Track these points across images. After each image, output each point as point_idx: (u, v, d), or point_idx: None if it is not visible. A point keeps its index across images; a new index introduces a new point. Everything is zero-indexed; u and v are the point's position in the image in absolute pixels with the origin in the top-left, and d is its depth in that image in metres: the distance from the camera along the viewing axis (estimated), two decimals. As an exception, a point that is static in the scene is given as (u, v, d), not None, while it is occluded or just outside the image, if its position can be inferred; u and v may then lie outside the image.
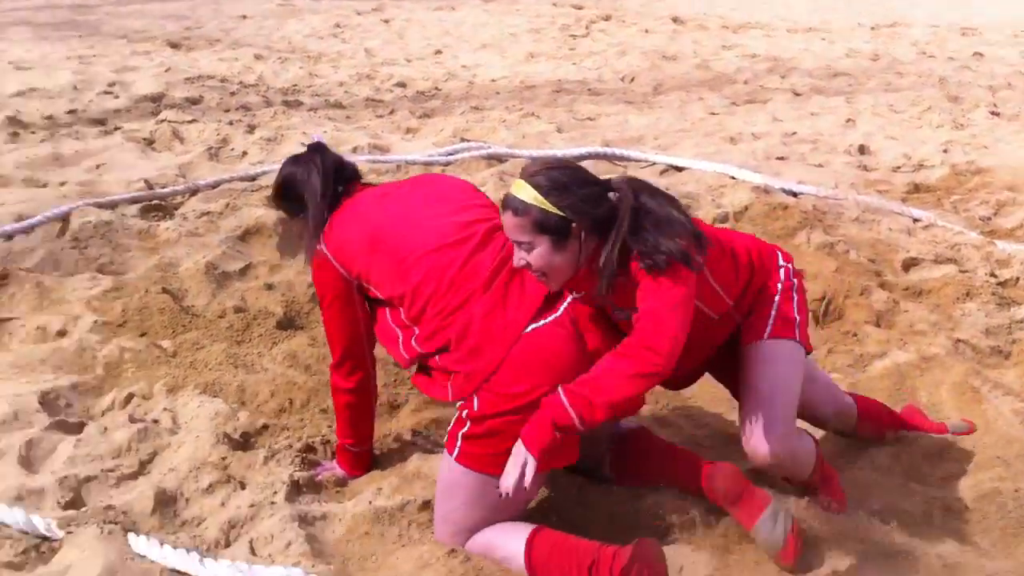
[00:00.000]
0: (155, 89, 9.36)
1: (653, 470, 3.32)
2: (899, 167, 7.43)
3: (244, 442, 3.66)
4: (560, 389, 2.79)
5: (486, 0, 17.35)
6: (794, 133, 8.38)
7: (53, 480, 3.39)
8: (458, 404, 3.02)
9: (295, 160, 3.45)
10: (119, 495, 3.36)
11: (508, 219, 2.88)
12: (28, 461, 3.53)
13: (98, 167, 6.88)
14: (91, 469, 3.47)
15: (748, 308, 3.23)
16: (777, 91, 10.10)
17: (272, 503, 3.27)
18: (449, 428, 3.06)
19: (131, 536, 3.06)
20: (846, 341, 4.64)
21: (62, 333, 4.45)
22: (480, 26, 14.40)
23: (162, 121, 8.06)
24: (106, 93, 9.20)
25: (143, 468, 3.52)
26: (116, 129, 7.90)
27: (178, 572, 2.96)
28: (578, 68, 11.35)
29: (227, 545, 3.15)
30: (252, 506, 3.26)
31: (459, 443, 2.99)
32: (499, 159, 7.29)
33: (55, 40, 11.97)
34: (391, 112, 9.01)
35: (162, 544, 3.04)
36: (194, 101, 9.03)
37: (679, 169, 7.18)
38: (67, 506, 3.30)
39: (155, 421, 3.79)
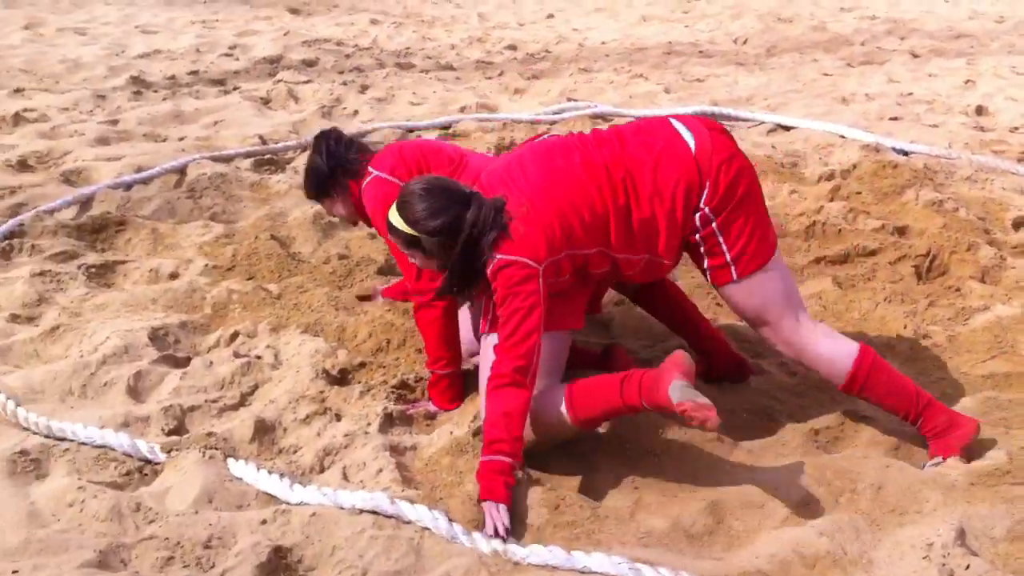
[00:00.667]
0: (273, 52, 9.62)
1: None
2: (1017, 128, 7.18)
3: (341, 378, 3.80)
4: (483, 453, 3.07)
5: (602, -35, 17.26)
6: (910, 94, 8.17)
7: (158, 409, 3.57)
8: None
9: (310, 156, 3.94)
10: (220, 424, 3.52)
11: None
12: (136, 391, 3.72)
13: (215, 124, 7.13)
14: (195, 400, 3.65)
15: (678, 249, 3.32)
16: (895, 53, 9.84)
17: (366, 433, 3.39)
18: (483, 311, 3.37)
19: (230, 460, 3.22)
20: (948, 295, 4.56)
21: (174, 275, 4.66)
22: (594, -10, 14.35)
23: (279, 81, 8.30)
24: (226, 56, 9.50)
25: (244, 400, 3.69)
26: (235, 89, 8.17)
27: (270, 496, 3.10)
28: (690, 31, 11.24)
29: (321, 471, 3.29)
30: (346, 435, 3.38)
31: (491, 316, 3.28)
32: (604, 118, 7.30)
33: (181, 6, 12.37)
34: (500, 74, 9.08)
35: (258, 468, 3.19)
36: (310, 63, 9.26)
37: (787, 128, 7.09)
38: (170, 433, 3.48)
39: (258, 357, 3.95)
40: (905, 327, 4.15)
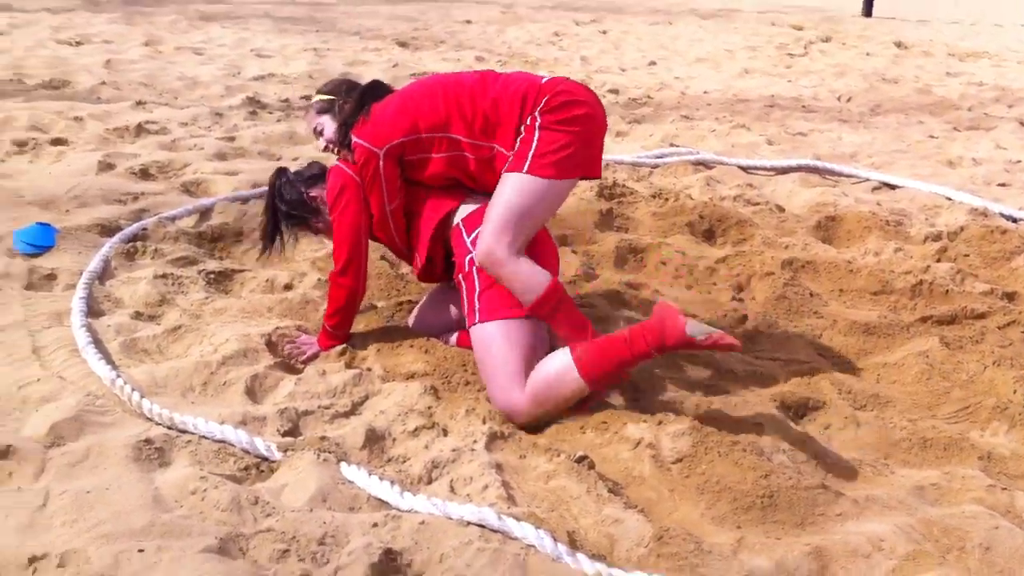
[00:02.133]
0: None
1: None
2: None
3: (448, 394, 3.88)
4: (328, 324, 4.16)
5: (704, 17, 17.36)
6: (1018, 161, 8.09)
7: (274, 410, 3.69)
8: (462, 276, 3.86)
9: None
10: (332, 430, 3.63)
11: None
12: (253, 392, 3.86)
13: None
14: (309, 405, 3.76)
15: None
16: (1002, 120, 9.75)
17: (472, 450, 3.46)
18: (465, 306, 3.83)
19: (343, 464, 3.32)
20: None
21: (288, 286, 4.81)
22: (696, 41, 14.44)
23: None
24: (338, 83, 9.75)
25: (355, 409, 3.79)
26: (345, 114, 8.37)
27: (381, 501, 3.18)
28: (793, 85, 11.26)
29: (429, 482, 3.36)
30: (453, 450, 3.46)
31: (477, 306, 3.77)
32: (706, 165, 7.36)
33: (294, 33, 12.74)
34: (603, 116, 9.17)
35: (370, 474, 3.28)
36: (417, 95, 9.45)
37: (892, 187, 7.07)
38: (285, 434, 3.59)
39: (368, 369, 4.06)
40: (1015, 392, 4.12)
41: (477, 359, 3.81)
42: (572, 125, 3.79)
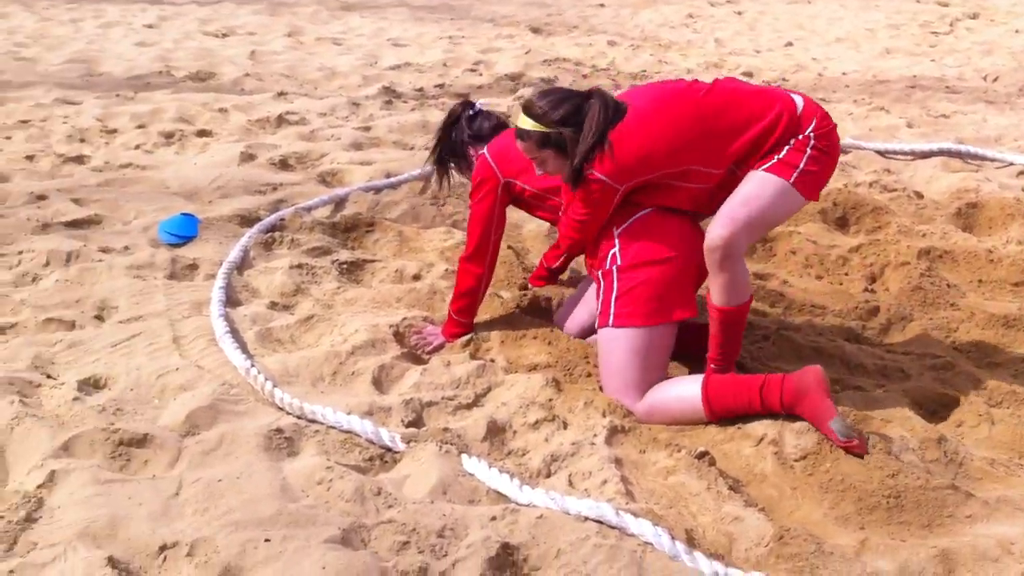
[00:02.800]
0: (515, 69, 9.92)
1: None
2: None
3: (569, 386, 3.91)
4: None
5: (846, -6, 16.90)
6: None
7: (400, 401, 3.79)
8: (601, 273, 3.81)
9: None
10: (455, 421, 3.70)
11: (521, 145, 3.75)
12: (380, 383, 3.96)
13: (466, 136, 7.43)
14: (433, 396, 3.84)
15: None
16: None
17: (592, 444, 3.48)
18: (600, 303, 3.79)
19: (464, 456, 3.38)
20: None
21: (417, 277, 4.91)
22: (835, 20, 14.05)
23: (519, 97, 8.56)
24: (471, 71, 9.87)
25: (478, 400, 3.85)
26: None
27: (500, 494, 3.24)
28: (937, 65, 10.86)
29: (548, 476, 3.40)
30: (573, 444, 3.49)
31: (612, 309, 3.75)
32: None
33: (429, 22, 12.91)
34: (737, 100, 9.02)
35: (490, 467, 3.33)
36: (548, 81, 9.50)
37: (1039, 172, 6.78)
38: (409, 425, 3.68)
39: (492, 360, 4.12)
40: None
41: (600, 358, 3.84)
42: (832, 156, 3.77)
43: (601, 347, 3.84)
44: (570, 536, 2.94)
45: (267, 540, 2.88)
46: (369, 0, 14.70)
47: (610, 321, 3.77)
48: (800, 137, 3.68)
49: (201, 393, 3.69)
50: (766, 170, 3.66)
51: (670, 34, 12.74)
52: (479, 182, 4.19)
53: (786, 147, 3.67)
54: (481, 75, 9.68)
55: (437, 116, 7.93)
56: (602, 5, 15.05)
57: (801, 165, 3.66)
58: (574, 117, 3.61)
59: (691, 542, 2.98)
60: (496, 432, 3.60)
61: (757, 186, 3.67)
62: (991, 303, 4.80)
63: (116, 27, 11.57)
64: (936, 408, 3.94)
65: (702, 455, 3.40)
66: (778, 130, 3.67)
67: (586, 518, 3.01)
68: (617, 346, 3.75)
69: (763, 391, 3.53)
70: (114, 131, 7.30)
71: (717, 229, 3.63)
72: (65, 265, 4.87)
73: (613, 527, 2.98)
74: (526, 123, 3.67)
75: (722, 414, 3.62)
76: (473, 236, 4.20)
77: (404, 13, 13.52)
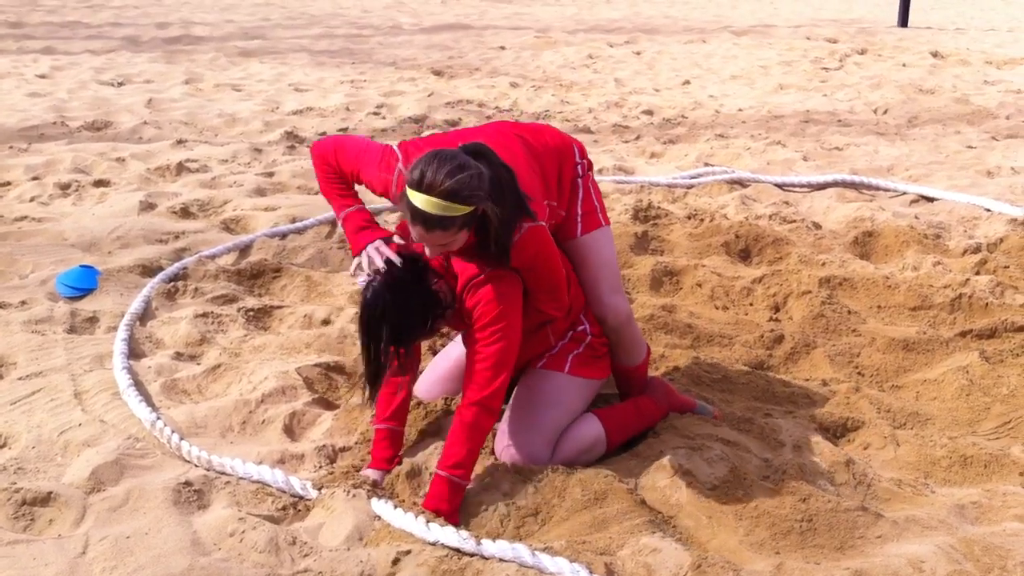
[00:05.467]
0: (418, 111, 9.93)
1: None
2: None
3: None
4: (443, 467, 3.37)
5: (738, 34, 17.33)
6: (1059, 169, 7.98)
7: (312, 448, 3.73)
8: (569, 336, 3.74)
9: None
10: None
11: (436, 235, 3.16)
12: (291, 430, 3.90)
13: (364, 179, 7.39)
14: (346, 441, 3.80)
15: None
16: (1043, 127, 9.63)
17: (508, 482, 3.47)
18: (553, 356, 3.69)
19: (373, 500, 3.32)
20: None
21: (326, 321, 4.86)
22: (730, 59, 14.40)
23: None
24: (374, 114, 9.86)
25: (392, 443, 3.80)
26: (381, 146, 8.46)
27: (407, 532, 3.15)
28: (829, 99, 11.19)
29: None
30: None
31: (569, 362, 3.68)
32: (742, 183, 7.34)
33: (330, 66, 12.88)
34: (637, 138, 9.19)
35: (395, 507, 3.26)
36: (452, 123, 9.54)
37: (930, 200, 7.00)
38: (322, 472, 3.62)
39: (418, 404, 4.04)
40: (1057, 405, 4.07)
41: (542, 405, 3.63)
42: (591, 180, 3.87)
43: (539, 391, 3.66)
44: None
45: (178, 597, 2.80)
46: (269, 46, 14.63)
47: (567, 368, 3.70)
48: (581, 174, 3.78)
49: (106, 448, 3.59)
50: (582, 232, 3.73)
51: (571, 74, 12.91)
52: (506, 307, 3.39)
53: (580, 189, 3.76)
54: (384, 118, 9.68)
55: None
56: (503, 47, 15.20)
57: (596, 203, 3.80)
58: (493, 185, 3.20)
59: (610, 575, 2.98)
60: (414, 475, 3.55)
61: (588, 249, 3.75)
62: (891, 328, 4.93)
63: (7, 78, 11.30)
64: (843, 432, 4.02)
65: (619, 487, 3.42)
66: (569, 169, 3.73)
67: (501, 560, 3.00)
68: (562, 395, 3.67)
69: (643, 412, 3.85)
70: (7, 184, 7.10)
71: (610, 310, 3.76)
72: (-41, 322, 4.71)
73: (530, 567, 2.97)
74: (441, 207, 3.10)
75: (620, 444, 3.78)
76: (499, 375, 3.36)
77: (304, 58, 13.47)
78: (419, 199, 3.10)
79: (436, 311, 3.40)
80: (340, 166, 3.55)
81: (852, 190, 7.24)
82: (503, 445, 3.60)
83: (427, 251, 3.29)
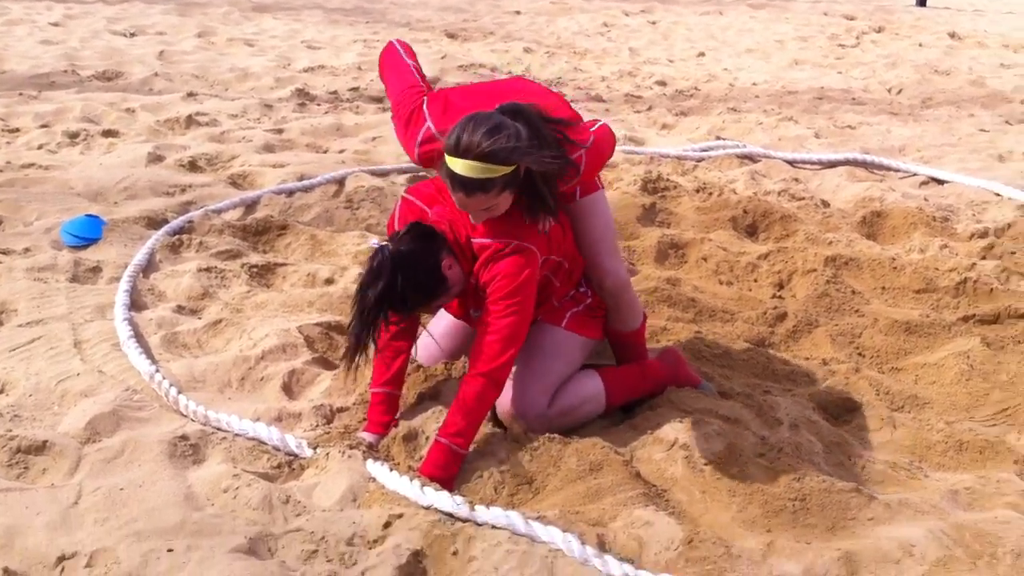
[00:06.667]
0: (430, 74, 9.85)
1: None
2: None
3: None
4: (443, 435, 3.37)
5: (755, 7, 17.19)
6: (1072, 156, 7.92)
7: (310, 407, 3.73)
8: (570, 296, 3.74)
9: None
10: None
11: (477, 199, 3.18)
12: (289, 388, 3.90)
13: (374, 139, 7.39)
14: (344, 401, 3.80)
15: None
16: (1059, 113, 9.55)
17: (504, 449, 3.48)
18: (552, 311, 3.68)
19: (368, 461, 3.32)
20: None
21: (329, 281, 4.86)
22: (746, 32, 14.30)
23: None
24: (385, 74, 9.80)
25: (390, 406, 3.80)
26: (391, 107, 8.43)
27: (401, 495, 3.15)
28: (843, 77, 11.11)
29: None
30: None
31: (567, 318, 3.68)
32: (752, 158, 7.30)
33: (344, 24, 12.81)
34: (649, 108, 9.14)
35: (391, 469, 3.26)
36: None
37: (940, 182, 6.96)
38: (319, 431, 3.62)
39: (418, 367, 4.03)
40: (1056, 394, 4.06)
41: (541, 358, 3.62)
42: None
43: (536, 346, 3.62)
44: (481, 543, 2.93)
45: (170, 550, 2.81)
46: (283, 1, 14.55)
47: (564, 323, 3.70)
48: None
49: (103, 399, 3.59)
50: (581, 194, 3.65)
51: (585, 42, 12.83)
52: (525, 280, 3.36)
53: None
54: (396, 79, 9.63)
55: (351, 119, 7.86)
56: (519, 12, 15.10)
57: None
58: (533, 141, 3.19)
59: (602, 547, 2.99)
60: (410, 438, 3.55)
61: (593, 208, 3.69)
62: (894, 310, 4.92)
63: (20, 25, 11.26)
64: (840, 413, 4.01)
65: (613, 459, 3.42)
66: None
67: (494, 527, 3.00)
68: (560, 352, 3.67)
69: (647, 376, 3.83)
70: (16, 130, 7.09)
71: (609, 276, 3.73)
72: (-38, 267, 4.71)
73: (522, 535, 2.98)
74: (480, 170, 3.12)
75: (620, 405, 3.79)
76: (509, 348, 3.34)
77: (319, 15, 13.40)
78: (458, 164, 3.13)
79: (438, 291, 3.38)
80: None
81: (863, 169, 7.19)
82: (504, 393, 3.56)
83: (471, 218, 3.32)
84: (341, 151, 7.03)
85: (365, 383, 3.86)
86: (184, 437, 3.40)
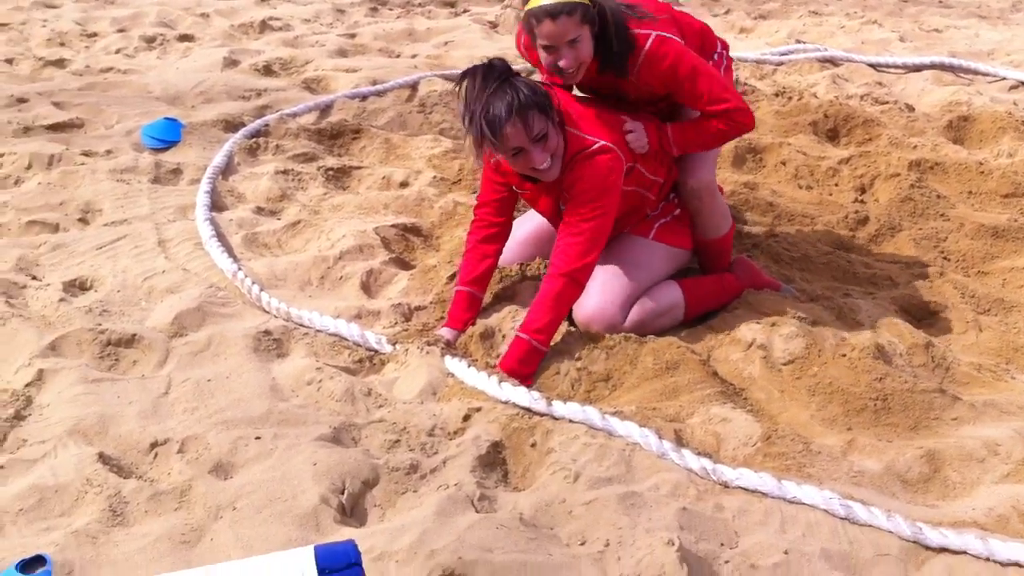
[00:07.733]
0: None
1: None
2: None
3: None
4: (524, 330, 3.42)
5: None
6: None
7: (388, 305, 3.77)
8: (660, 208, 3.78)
9: None
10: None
11: (563, 21, 3.26)
12: (368, 287, 3.94)
13: (446, 44, 7.33)
14: (421, 300, 3.83)
15: None
16: None
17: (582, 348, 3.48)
18: (641, 222, 3.72)
19: (446, 357, 3.36)
20: None
21: (404, 184, 4.86)
22: (829, -67, 13.81)
23: (507, 7, 8.41)
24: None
25: (467, 305, 3.82)
26: (464, 11, 8.34)
27: (479, 390, 3.19)
28: (931, -22, 10.71)
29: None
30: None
31: (655, 228, 3.71)
32: (834, 62, 7.10)
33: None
34: (727, 12, 8.92)
35: (468, 365, 3.29)
36: (537, -9, 9.32)
37: (1031, 86, 6.72)
38: (398, 328, 3.66)
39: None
40: None
41: (616, 269, 3.62)
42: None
43: (625, 257, 3.65)
44: (559, 436, 2.95)
45: (258, 438, 2.88)
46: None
47: (652, 235, 3.73)
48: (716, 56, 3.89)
49: (188, 295, 3.67)
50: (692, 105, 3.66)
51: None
52: (610, 171, 3.40)
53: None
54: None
55: (423, 24, 7.80)
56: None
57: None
58: None
59: (679, 442, 2.99)
60: (487, 336, 3.57)
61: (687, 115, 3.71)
62: (980, 214, 4.79)
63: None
64: (924, 316, 3.94)
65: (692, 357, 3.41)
66: (709, 52, 3.87)
67: (571, 421, 3.01)
68: (647, 262, 3.68)
69: (725, 287, 3.81)
70: (94, 35, 7.16)
71: (696, 176, 3.73)
72: (47, 168, 4.80)
73: (599, 430, 2.99)
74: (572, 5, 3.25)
75: (697, 315, 3.76)
76: (592, 252, 3.41)
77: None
78: None
79: (547, 110, 3.31)
80: None
81: (949, 73, 6.96)
82: (582, 301, 3.56)
83: (562, 61, 3.37)
84: (413, 56, 6.98)
85: (441, 283, 3.88)
86: (267, 332, 3.46)
